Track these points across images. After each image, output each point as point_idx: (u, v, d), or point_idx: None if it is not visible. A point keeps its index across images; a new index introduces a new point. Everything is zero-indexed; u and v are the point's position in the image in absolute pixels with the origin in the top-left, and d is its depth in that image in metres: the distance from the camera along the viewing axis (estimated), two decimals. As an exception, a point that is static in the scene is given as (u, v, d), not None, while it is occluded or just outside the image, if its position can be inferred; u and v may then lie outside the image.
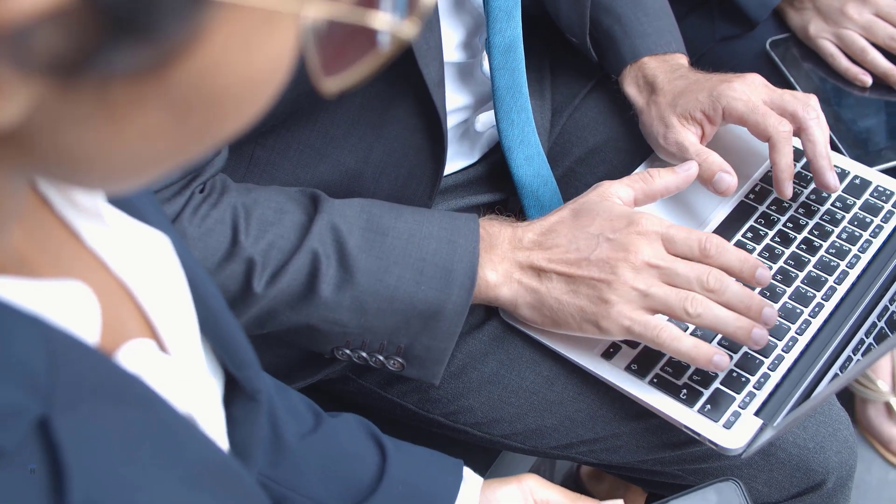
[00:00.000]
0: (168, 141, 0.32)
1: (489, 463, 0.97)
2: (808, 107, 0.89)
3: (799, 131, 0.89)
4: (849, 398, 1.56)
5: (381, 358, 0.80)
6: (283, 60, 0.32)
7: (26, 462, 0.33)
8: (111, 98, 0.29)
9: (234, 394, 0.53)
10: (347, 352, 0.80)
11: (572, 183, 1.03)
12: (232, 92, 0.31)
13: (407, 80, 0.77)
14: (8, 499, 0.32)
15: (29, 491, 0.33)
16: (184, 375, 0.45)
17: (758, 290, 0.86)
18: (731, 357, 0.81)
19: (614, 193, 0.83)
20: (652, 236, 0.78)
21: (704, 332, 0.83)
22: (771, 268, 0.89)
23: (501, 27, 0.85)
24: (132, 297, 0.44)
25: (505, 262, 0.80)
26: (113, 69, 0.28)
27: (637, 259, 0.77)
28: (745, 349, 0.82)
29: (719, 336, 0.83)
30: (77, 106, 0.29)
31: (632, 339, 0.78)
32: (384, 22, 0.32)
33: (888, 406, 1.53)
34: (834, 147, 1.08)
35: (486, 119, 0.94)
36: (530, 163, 0.93)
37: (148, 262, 0.46)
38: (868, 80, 1.13)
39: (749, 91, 0.90)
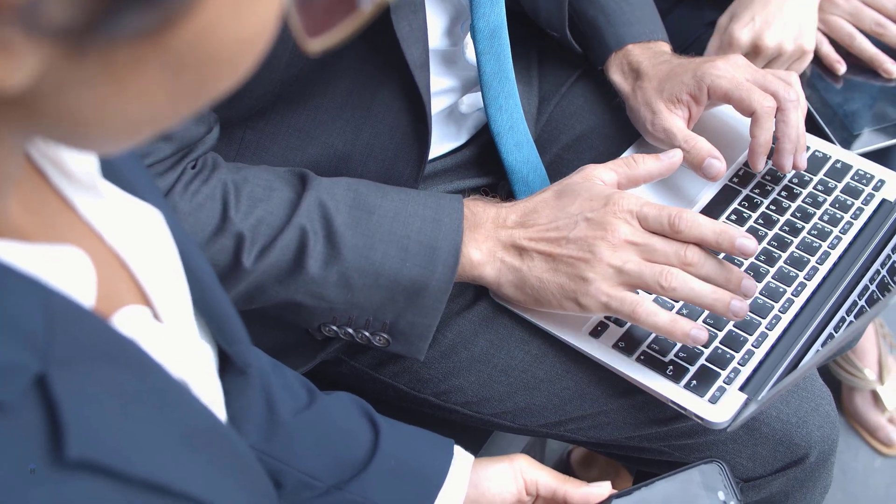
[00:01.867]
0: (164, 100, 0.33)
1: (480, 445, 0.97)
2: (790, 87, 0.90)
3: (777, 110, 0.90)
4: (836, 386, 1.57)
5: (366, 334, 0.81)
6: (269, 22, 0.34)
7: (25, 416, 0.34)
8: (115, 61, 0.31)
9: (225, 368, 0.54)
10: (334, 328, 0.81)
11: (560, 169, 1.04)
12: (225, 53, 0.33)
13: (392, 63, 0.78)
14: (8, 450, 0.33)
15: (28, 444, 0.33)
16: (178, 343, 0.46)
17: (744, 267, 0.88)
18: (714, 333, 0.82)
19: (598, 176, 0.84)
20: (627, 215, 0.79)
21: (691, 311, 0.84)
22: (755, 248, 0.91)
23: (485, 12, 0.86)
24: (126, 267, 0.45)
25: (489, 241, 0.81)
26: (120, 33, 0.30)
27: (615, 237, 0.78)
28: (729, 327, 0.84)
29: (704, 314, 0.84)
30: (83, 69, 0.31)
31: (610, 314, 0.80)
32: None
33: (874, 394, 1.54)
34: (821, 131, 1.10)
35: (471, 101, 0.95)
36: (520, 149, 0.94)
37: (141, 234, 0.47)
38: (843, 68, 1.15)
39: (732, 69, 0.91)
